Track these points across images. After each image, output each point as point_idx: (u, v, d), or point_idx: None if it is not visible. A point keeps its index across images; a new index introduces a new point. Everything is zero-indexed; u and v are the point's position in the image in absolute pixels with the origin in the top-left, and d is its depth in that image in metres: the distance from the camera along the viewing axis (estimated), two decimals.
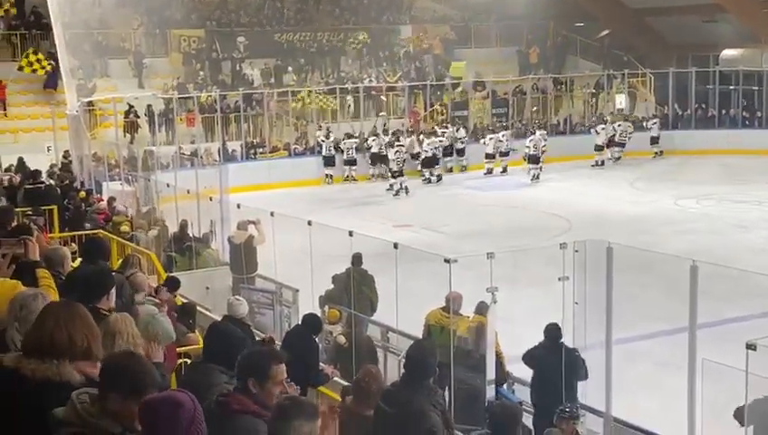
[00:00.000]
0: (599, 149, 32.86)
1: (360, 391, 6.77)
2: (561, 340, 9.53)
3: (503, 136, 32.03)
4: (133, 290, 7.86)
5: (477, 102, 35.47)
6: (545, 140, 31.49)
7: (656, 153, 33.87)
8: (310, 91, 33.16)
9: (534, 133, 31.72)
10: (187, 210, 17.46)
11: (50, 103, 28.42)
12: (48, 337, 3.91)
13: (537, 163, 30.37)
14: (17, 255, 5.72)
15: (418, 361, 6.12)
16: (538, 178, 30.24)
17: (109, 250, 8.08)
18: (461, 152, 32.40)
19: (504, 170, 31.75)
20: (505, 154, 31.83)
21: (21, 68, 29.97)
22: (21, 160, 22.96)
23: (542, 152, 30.77)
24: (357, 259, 13.01)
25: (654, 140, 33.98)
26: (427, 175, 30.23)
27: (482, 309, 9.99)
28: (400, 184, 28.67)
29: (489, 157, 31.76)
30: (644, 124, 34.44)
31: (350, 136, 31.14)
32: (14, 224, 7.80)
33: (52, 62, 29.55)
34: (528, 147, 30.72)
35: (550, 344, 9.55)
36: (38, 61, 29.92)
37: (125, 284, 7.52)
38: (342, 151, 30.64)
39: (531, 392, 9.65)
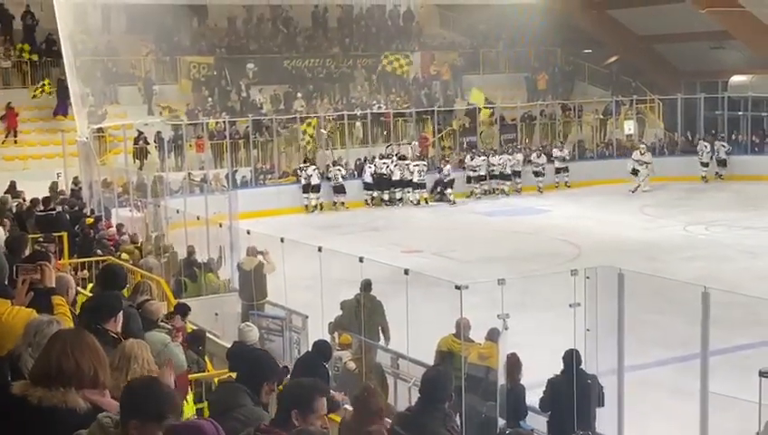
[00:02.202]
0: (558, 171, 33.53)
1: (360, 407, 6.80)
2: (581, 366, 9.46)
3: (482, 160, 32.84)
4: (148, 319, 7.86)
5: (486, 128, 35.51)
6: (510, 162, 32.74)
7: (719, 175, 33.58)
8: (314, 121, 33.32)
9: (502, 155, 33.03)
10: (196, 236, 17.49)
11: (60, 130, 28.54)
12: (55, 364, 3.95)
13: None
14: (33, 281, 5.71)
15: (434, 385, 6.14)
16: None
17: (125, 279, 8.07)
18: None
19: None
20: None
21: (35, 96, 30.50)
22: (12, 184, 23.07)
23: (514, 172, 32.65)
24: (366, 285, 12.99)
25: (722, 163, 33.60)
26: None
27: (493, 335, 9.97)
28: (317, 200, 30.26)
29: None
30: (713, 146, 33.77)
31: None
32: (27, 251, 7.78)
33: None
34: (494, 165, 32.51)
35: (566, 371, 9.46)
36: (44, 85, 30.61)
37: (133, 315, 7.48)
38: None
39: (548, 421, 9.56)
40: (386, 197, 31.11)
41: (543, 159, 33.15)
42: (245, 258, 15.71)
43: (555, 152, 33.70)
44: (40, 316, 4.88)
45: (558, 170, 33.47)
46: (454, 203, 31.06)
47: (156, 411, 3.56)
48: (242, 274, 15.63)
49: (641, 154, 32.45)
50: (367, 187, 31.19)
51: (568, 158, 33.80)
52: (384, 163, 31.22)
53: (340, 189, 30.74)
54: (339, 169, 30.88)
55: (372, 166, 31.19)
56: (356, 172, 31.65)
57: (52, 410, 3.86)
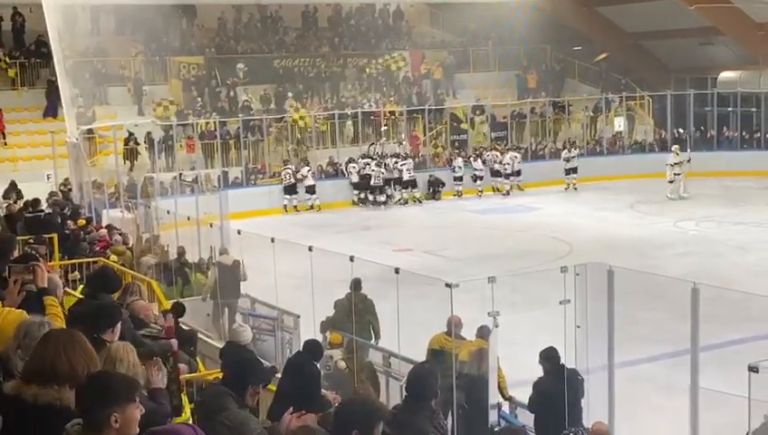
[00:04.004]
0: (568, 172, 33.22)
1: None
2: (561, 362, 9.47)
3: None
4: (134, 318, 7.83)
5: (476, 126, 35.53)
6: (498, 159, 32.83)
7: None
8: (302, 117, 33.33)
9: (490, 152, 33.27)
10: (187, 237, 17.46)
11: (50, 132, 28.46)
12: (49, 364, 3.97)
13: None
14: (25, 281, 5.70)
15: (420, 383, 6.13)
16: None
17: (115, 283, 8.04)
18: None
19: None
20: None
21: None
22: (13, 184, 23.02)
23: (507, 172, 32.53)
24: (356, 284, 12.98)
25: None
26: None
27: (483, 333, 9.97)
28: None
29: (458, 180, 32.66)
30: None
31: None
32: (16, 253, 7.74)
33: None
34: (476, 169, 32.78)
35: (552, 369, 9.47)
36: None
37: (125, 320, 7.49)
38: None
39: (535, 419, 9.56)
40: (371, 196, 31.01)
41: (518, 157, 33.03)
42: (222, 256, 15.67)
43: (564, 153, 33.56)
44: (30, 318, 4.87)
45: (568, 171, 33.23)
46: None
47: (126, 395, 3.65)
48: (221, 269, 15.52)
49: (677, 155, 30.45)
50: (354, 186, 31.14)
51: (577, 157, 33.49)
52: (366, 163, 31.13)
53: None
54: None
55: (356, 166, 31.12)
56: (345, 172, 31.58)
57: (47, 407, 3.89)
